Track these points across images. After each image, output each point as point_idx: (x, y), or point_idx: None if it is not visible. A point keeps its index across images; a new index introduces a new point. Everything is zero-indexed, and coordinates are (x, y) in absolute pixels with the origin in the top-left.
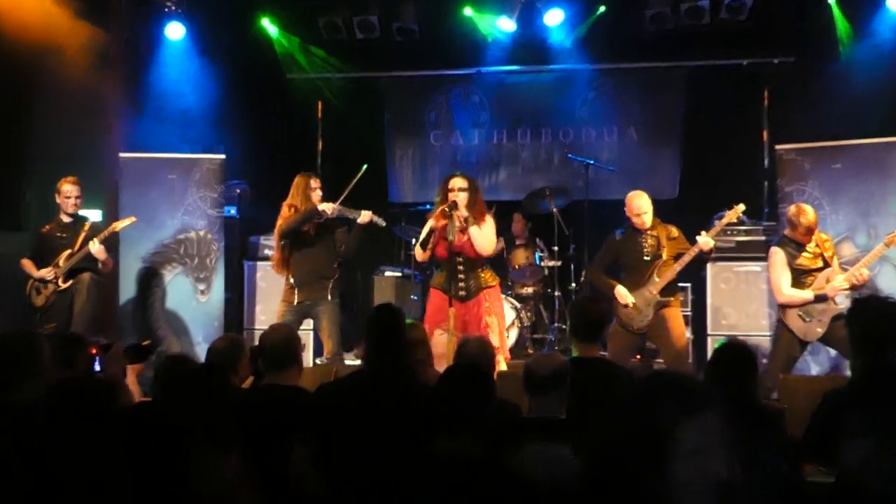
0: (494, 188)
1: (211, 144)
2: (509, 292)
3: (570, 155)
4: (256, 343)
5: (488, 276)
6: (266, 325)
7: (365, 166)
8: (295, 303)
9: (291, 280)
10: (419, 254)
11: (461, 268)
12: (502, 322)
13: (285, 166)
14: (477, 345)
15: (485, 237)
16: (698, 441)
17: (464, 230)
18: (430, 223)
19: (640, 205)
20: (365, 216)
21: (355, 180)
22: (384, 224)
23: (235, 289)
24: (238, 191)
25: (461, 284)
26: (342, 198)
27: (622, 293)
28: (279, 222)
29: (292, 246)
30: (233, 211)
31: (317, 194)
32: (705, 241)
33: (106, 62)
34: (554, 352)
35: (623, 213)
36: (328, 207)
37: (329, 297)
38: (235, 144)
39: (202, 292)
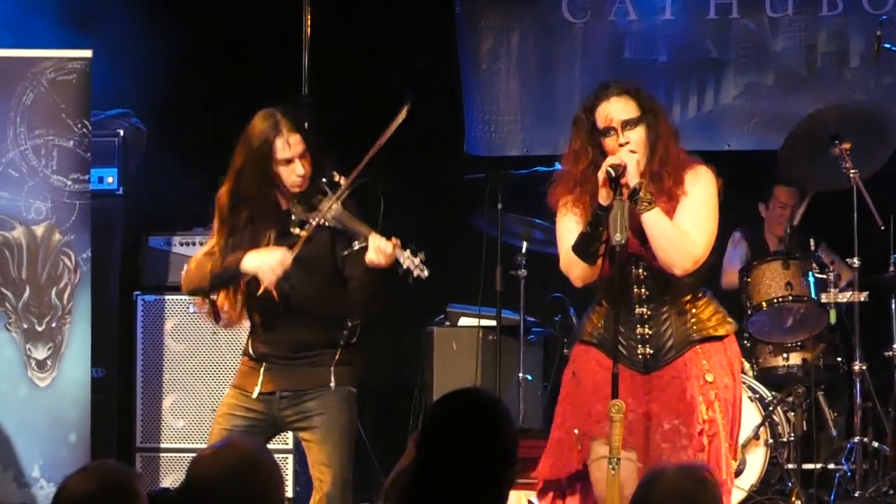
0: (707, 122)
1: (64, 33)
2: (746, 365)
3: (888, 45)
4: (172, 486)
5: (708, 313)
6: (191, 444)
7: (405, 109)
8: (255, 393)
9: (251, 349)
10: (574, 268)
11: (644, 291)
12: (734, 423)
13: (227, 82)
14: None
15: (689, 227)
16: None
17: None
18: (564, 212)
19: None
20: (379, 249)
21: (390, 131)
22: (424, 275)
23: (117, 357)
24: (121, 132)
25: (645, 332)
26: (345, 187)
27: None
28: (189, 264)
29: (251, 283)
30: (111, 178)
31: (294, 171)
32: None
33: None
34: None
35: None
36: (270, 269)
37: (333, 383)
38: (118, 34)
39: (40, 366)
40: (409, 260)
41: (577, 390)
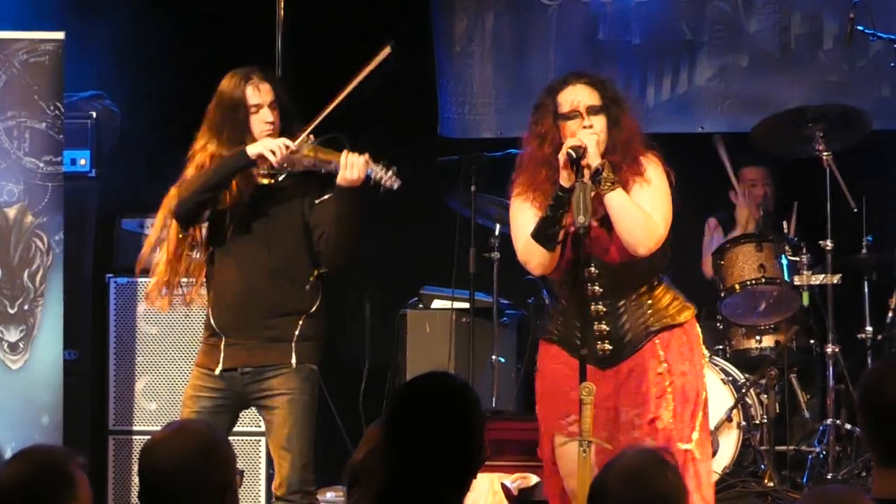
0: (681, 104)
1: (36, 14)
2: (719, 348)
3: (861, 27)
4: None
5: (667, 301)
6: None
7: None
8: (217, 370)
9: (212, 319)
10: (534, 256)
11: (598, 289)
12: (701, 408)
13: (197, 64)
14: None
15: (649, 211)
16: None
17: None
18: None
19: None
20: (351, 164)
21: (367, 71)
22: (396, 185)
23: (90, 339)
24: (94, 114)
25: (602, 328)
26: (319, 119)
27: None
28: (172, 191)
29: (212, 243)
30: (83, 161)
31: (263, 118)
32: None
33: None
34: (842, 488)
35: None
36: (276, 146)
37: (294, 360)
38: (91, 16)
39: (12, 348)
40: (381, 171)
41: (541, 387)
